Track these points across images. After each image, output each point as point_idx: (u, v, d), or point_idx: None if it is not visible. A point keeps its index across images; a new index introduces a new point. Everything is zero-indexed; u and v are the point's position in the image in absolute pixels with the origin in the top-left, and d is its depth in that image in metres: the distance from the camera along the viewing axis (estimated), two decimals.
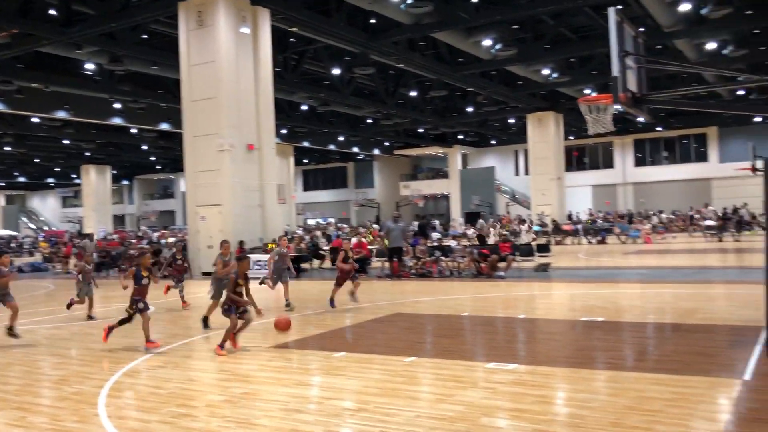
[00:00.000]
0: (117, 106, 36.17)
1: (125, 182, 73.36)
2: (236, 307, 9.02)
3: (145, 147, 50.93)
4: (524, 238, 26.03)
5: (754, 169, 21.32)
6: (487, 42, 27.69)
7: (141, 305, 9.42)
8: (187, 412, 6.22)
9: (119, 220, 69.02)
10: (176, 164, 56.97)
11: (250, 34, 22.30)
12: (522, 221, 34.94)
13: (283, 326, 9.51)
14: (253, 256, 21.52)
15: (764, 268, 7.65)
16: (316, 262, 24.46)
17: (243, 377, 7.57)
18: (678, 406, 5.80)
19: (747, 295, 12.56)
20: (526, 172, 51.92)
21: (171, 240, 32.96)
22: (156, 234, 40.19)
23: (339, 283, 12.95)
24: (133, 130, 43.97)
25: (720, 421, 5.40)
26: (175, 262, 15.07)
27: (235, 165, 21.77)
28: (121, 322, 9.55)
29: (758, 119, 44.98)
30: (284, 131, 46.86)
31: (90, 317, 12.82)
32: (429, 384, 6.98)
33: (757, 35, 29.83)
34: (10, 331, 10.24)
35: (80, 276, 13.08)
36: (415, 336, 9.84)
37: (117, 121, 37.89)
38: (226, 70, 21.54)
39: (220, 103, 21.56)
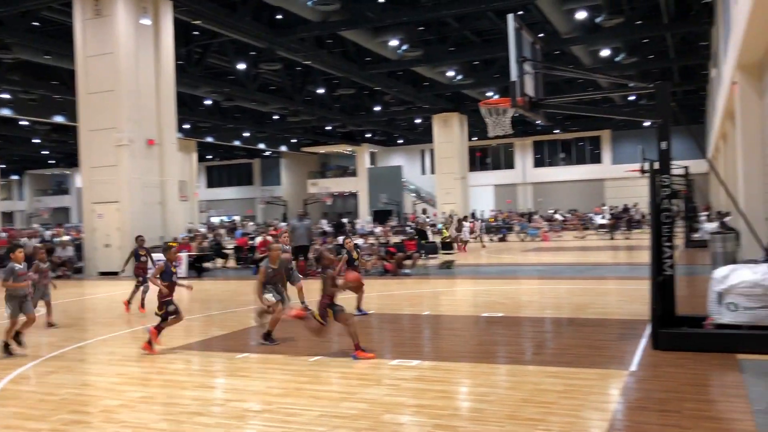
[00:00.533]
0: (5, 96, 34.05)
1: (14, 177, 69.21)
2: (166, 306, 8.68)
3: (37, 140, 48.26)
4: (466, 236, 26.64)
5: (642, 171, 22.59)
6: (393, 42, 27.99)
7: (171, 308, 8.80)
8: (80, 419, 5.96)
9: (7, 217, 65.12)
10: (71, 159, 54.19)
11: (151, 25, 21.58)
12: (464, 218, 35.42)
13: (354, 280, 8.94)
14: (153, 255, 20.88)
15: (650, 265, 8.12)
16: (219, 261, 23.94)
17: (141, 381, 7.33)
18: (571, 397, 6.08)
19: (635, 291, 13.31)
20: (432, 172, 52.85)
21: (65, 238, 31.40)
22: (49, 232, 38.14)
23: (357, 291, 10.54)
24: (24, 123, 41.54)
25: (609, 411, 5.70)
26: (139, 260, 13.37)
27: (134, 160, 21.00)
28: (159, 328, 8.85)
29: (647, 124, 47.58)
30: (187, 126, 45.60)
31: (51, 324, 11.34)
32: (333, 383, 6.99)
33: (646, 44, 31.63)
34: (16, 338, 9.01)
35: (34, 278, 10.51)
36: (320, 335, 9.81)
37: (5, 112, 35.69)
38: (125, 62, 20.75)
39: (119, 96, 20.75)
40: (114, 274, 21.18)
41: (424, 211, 51.45)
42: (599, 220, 38.54)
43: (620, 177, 50.51)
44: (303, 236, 19.23)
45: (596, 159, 56.14)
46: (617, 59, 30.74)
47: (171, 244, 9.85)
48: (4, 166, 59.44)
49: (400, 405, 6.06)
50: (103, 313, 13.39)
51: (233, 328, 10.74)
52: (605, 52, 31.14)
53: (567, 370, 7.06)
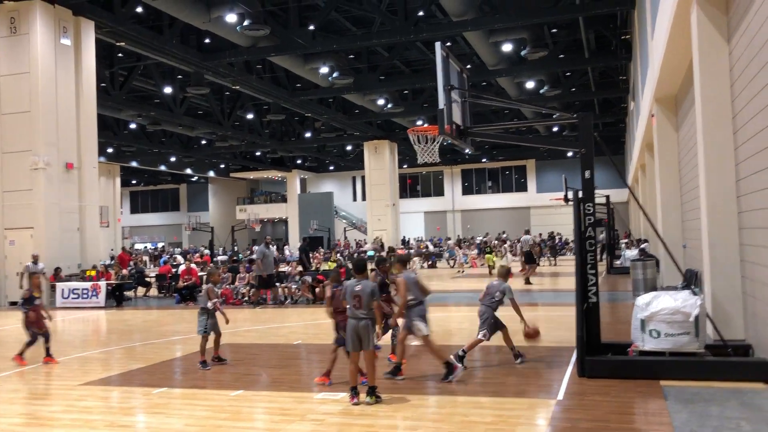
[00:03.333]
0: None
1: None
2: None
3: None
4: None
5: (566, 199, 23.19)
6: (324, 69, 27.97)
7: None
8: None
9: None
10: None
11: (71, 45, 20.82)
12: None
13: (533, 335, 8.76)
14: (69, 284, 19.94)
15: (576, 291, 8.20)
16: (141, 290, 23.06)
17: (46, 421, 6.82)
18: (498, 429, 5.99)
19: (561, 317, 13.49)
20: (363, 198, 52.93)
21: None
22: None
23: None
24: None
25: None
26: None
27: (50, 185, 20.06)
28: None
29: (570, 154, 49.21)
30: (110, 150, 44.18)
31: None
32: (255, 419, 6.68)
33: (569, 77, 32.76)
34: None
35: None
36: (244, 368, 9.46)
37: None
38: (43, 83, 19.90)
39: (35, 118, 19.85)
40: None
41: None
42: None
43: (545, 205, 51.89)
44: (272, 264, 18.55)
45: (522, 187, 57.58)
46: (541, 91, 31.67)
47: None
48: None
49: None
50: (12, 346, 12.55)
51: (153, 360, 10.23)
52: (530, 84, 32.07)
53: (495, 400, 6.99)
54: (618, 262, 26.69)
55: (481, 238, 45.72)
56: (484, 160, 56.97)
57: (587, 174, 8.20)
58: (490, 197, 58.27)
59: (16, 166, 20.08)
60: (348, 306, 6.98)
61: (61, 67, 20.49)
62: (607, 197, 26.71)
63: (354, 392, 6.96)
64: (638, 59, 21.43)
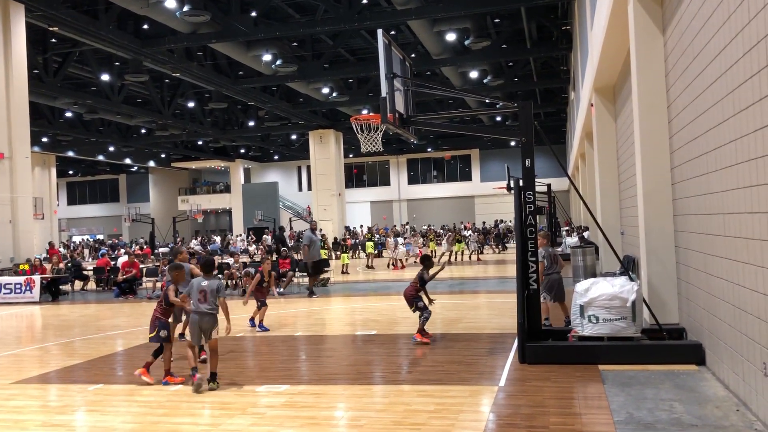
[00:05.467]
0: None
1: None
2: None
3: None
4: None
5: (508, 188, 23.52)
6: (267, 57, 27.55)
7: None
8: None
9: None
10: None
11: None
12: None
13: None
14: (1, 279, 19.19)
15: (516, 279, 8.30)
16: (78, 284, 22.38)
17: None
18: (441, 417, 6.00)
19: (504, 305, 13.68)
20: (309, 188, 52.58)
21: None
22: None
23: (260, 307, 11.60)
24: None
25: (479, 430, 5.66)
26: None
27: None
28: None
29: (513, 143, 49.94)
30: (45, 139, 42.66)
31: None
32: (193, 414, 6.52)
33: (511, 67, 33.14)
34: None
35: None
36: (183, 362, 9.25)
37: None
38: None
39: None
40: None
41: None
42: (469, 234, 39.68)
43: (489, 194, 52.60)
44: (319, 250, 17.75)
45: (466, 176, 58.17)
46: (485, 81, 31.96)
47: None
48: None
49: None
50: None
51: (90, 356, 9.91)
52: (474, 74, 32.32)
53: (438, 388, 7.01)
54: (559, 249, 27.23)
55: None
56: (429, 149, 57.29)
57: (527, 163, 8.29)
58: (435, 186, 58.69)
59: None
60: (192, 301, 7.42)
61: None
62: (549, 185, 27.21)
63: (195, 371, 7.41)
64: (578, 50, 21.82)
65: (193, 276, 8.82)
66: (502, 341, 9.51)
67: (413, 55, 27.60)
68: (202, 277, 7.56)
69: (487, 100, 30.27)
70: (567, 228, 34.87)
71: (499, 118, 43.94)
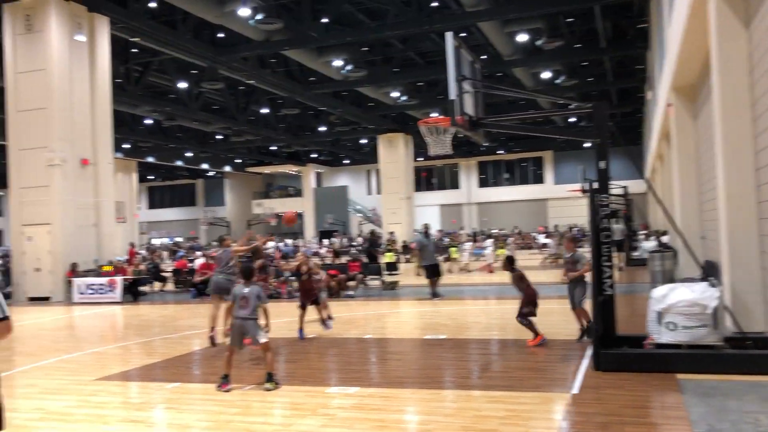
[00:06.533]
0: None
1: None
2: None
3: None
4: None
5: (583, 191, 22.97)
6: (337, 62, 27.91)
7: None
8: None
9: None
10: (3, 180, 52.16)
11: (86, 41, 20.92)
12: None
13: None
14: (86, 279, 20.09)
15: (592, 284, 8.08)
16: (157, 285, 23.19)
17: (60, 416, 6.83)
18: (512, 423, 5.90)
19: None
20: (378, 192, 52.84)
21: None
22: None
23: (303, 306, 11.22)
24: None
25: None
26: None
27: (66, 181, 20.21)
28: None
29: (587, 144, 48.79)
30: (127, 146, 44.47)
31: None
32: (266, 414, 6.64)
33: (585, 67, 32.42)
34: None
35: None
36: (256, 362, 9.44)
37: None
38: (58, 79, 20.03)
39: (51, 115, 20.00)
40: (44, 299, 20.28)
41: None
42: (543, 239, 39.02)
43: (562, 197, 51.53)
44: (432, 254, 17.10)
45: (539, 179, 57.17)
46: (557, 81, 31.37)
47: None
48: None
49: None
50: (29, 341, 12.67)
51: (168, 355, 10.25)
52: (546, 75, 31.77)
53: (509, 395, 6.89)
54: (636, 253, 26.40)
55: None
56: (500, 151, 56.61)
57: (602, 164, 8.06)
58: (506, 189, 57.89)
59: (32, 163, 20.25)
60: (235, 307, 7.66)
61: (76, 63, 20.60)
62: (625, 188, 26.40)
63: (225, 379, 7.55)
64: (655, 48, 21.13)
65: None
66: (574, 348, 9.29)
67: (484, 57, 27.37)
68: (243, 284, 7.76)
69: (560, 101, 29.66)
70: (644, 232, 33.78)
71: (572, 119, 43.04)
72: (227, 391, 7.43)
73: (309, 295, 11.22)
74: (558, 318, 13.10)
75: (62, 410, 7.06)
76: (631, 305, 13.74)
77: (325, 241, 46.35)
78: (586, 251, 9.57)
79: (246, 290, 7.63)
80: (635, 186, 28.89)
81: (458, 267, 26.90)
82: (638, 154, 47.53)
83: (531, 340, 9.61)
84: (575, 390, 6.96)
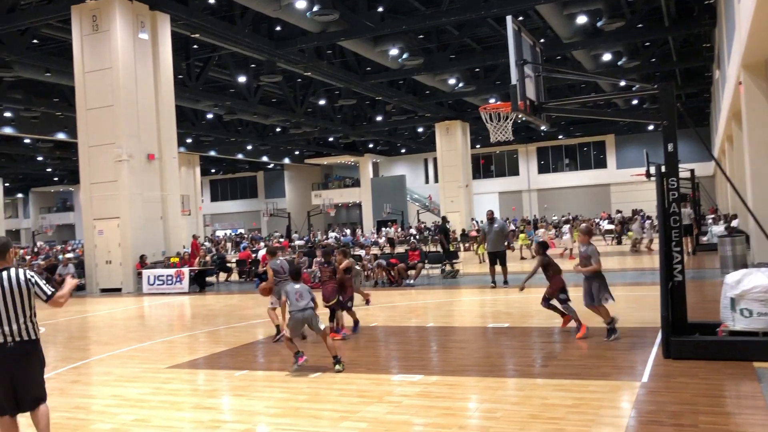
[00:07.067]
0: (8, 114, 34.12)
1: (20, 195, 69.33)
2: None
3: (40, 158, 48.33)
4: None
5: (648, 175, 22.37)
6: (393, 51, 27.86)
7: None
8: None
9: (14, 235, 65.13)
10: (75, 176, 54.26)
11: (149, 39, 21.50)
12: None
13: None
14: (154, 271, 20.72)
15: (660, 271, 7.87)
16: (222, 275, 23.76)
17: (135, 402, 7.09)
18: (580, 412, 5.82)
19: (643, 297, 13.04)
20: (436, 180, 52.64)
21: (69, 255, 31.29)
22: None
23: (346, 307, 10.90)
24: (27, 140, 41.58)
25: (621, 426, 5.43)
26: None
27: (134, 176, 20.86)
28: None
29: (651, 127, 47.40)
30: (189, 140, 45.57)
31: None
32: (332, 401, 6.74)
33: (648, 47, 31.42)
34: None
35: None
36: (322, 350, 9.56)
37: (8, 130, 35.72)
38: (124, 77, 20.65)
39: (118, 112, 20.64)
40: (116, 290, 21.03)
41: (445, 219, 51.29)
42: (606, 225, 38.20)
43: (626, 181, 50.25)
44: (496, 240, 16.22)
45: (601, 164, 55.86)
46: (619, 63, 30.52)
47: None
48: (8, 184, 59.52)
49: (402, 423, 5.81)
50: (103, 331, 13.18)
51: (235, 344, 10.50)
52: (607, 56, 30.96)
53: (576, 383, 6.79)
54: (704, 238, 25.58)
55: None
56: (560, 137, 55.55)
57: (670, 147, 7.81)
58: (567, 175, 56.78)
59: (101, 159, 20.98)
60: (291, 303, 8.00)
61: (140, 61, 21.19)
62: (692, 171, 25.58)
63: (299, 354, 8.00)
64: (723, 24, 20.30)
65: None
66: (642, 335, 9.07)
67: (542, 41, 26.85)
68: (292, 283, 8.18)
69: (622, 83, 28.87)
70: (713, 216, 32.67)
71: (635, 102, 41.86)
72: (305, 361, 7.94)
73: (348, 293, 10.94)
74: (624, 305, 12.82)
75: (138, 397, 7.33)
76: (701, 291, 13.34)
77: (386, 231, 46.56)
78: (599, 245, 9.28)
79: (297, 286, 8.11)
80: (702, 169, 27.95)
81: (531, 253, 26.61)
82: (705, 135, 45.93)
83: (562, 324, 9.95)
84: (645, 378, 6.80)
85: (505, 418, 5.76)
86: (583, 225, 10.54)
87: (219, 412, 6.66)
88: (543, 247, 10.22)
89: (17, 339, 4.87)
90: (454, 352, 9.07)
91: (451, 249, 23.72)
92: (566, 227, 28.47)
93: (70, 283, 5.29)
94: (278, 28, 25.91)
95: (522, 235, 28.43)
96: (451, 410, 6.15)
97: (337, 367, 7.85)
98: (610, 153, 55.30)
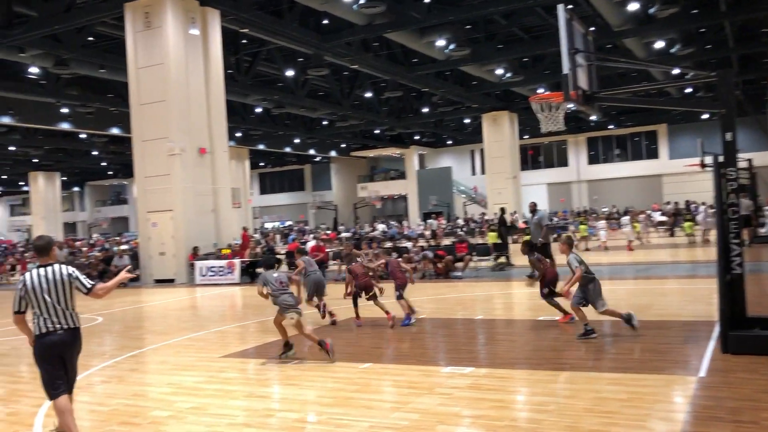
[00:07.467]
0: (64, 110, 35.15)
1: (76, 189, 71.50)
2: None
3: (95, 152, 49.69)
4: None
5: (703, 165, 21.77)
6: (440, 42, 27.70)
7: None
8: (129, 431, 5.92)
9: (70, 227, 67.22)
10: (128, 170, 55.41)
11: (199, 35, 21.85)
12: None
13: None
14: (206, 262, 21.14)
15: (717, 263, 7.68)
16: None
17: (191, 390, 7.27)
18: (634, 406, 5.73)
19: (698, 291, 12.73)
20: (483, 172, 52.20)
21: (123, 247, 32.14)
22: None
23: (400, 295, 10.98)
24: (83, 136, 42.81)
25: (677, 421, 5.34)
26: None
27: (186, 169, 21.29)
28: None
29: (705, 116, 46.07)
30: (239, 134, 46.20)
31: None
32: (384, 391, 6.79)
33: (702, 34, 30.51)
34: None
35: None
36: (371, 341, 9.65)
37: (65, 126, 36.81)
38: (176, 73, 21.05)
39: (170, 107, 21.07)
40: (169, 281, 21.53)
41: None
42: (658, 216, 37.35)
43: (679, 172, 48.99)
44: (535, 232, 15.87)
45: (653, 154, 54.53)
46: (672, 51, 29.71)
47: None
48: (66, 178, 61.39)
49: (453, 415, 5.82)
50: (158, 321, 13.53)
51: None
52: (660, 44, 30.15)
53: (629, 377, 6.69)
54: (763, 230, 24.78)
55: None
56: (611, 126, 54.41)
57: (728, 136, 7.59)
58: (618, 166, 55.58)
59: (154, 153, 21.46)
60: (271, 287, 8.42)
61: (191, 56, 21.56)
62: (749, 161, 24.79)
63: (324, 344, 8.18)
64: None
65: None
66: (697, 329, 8.87)
67: (592, 29, 26.30)
68: (272, 272, 8.60)
69: (676, 71, 28.08)
70: None
71: (689, 90, 40.70)
72: (328, 345, 8.14)
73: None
74: (677, 298, 12.56)
75: (193, 385, 7.51)
76: (760, 285, 12.96)
77: (429, 222, 46.45)
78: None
79: (276, 275, 8.57)
80: (760, 158, 27.02)
81: (584, 246, 26.30)
82: (763, 123, 44.43)
83: (560, 318, 9.99)
84: (702, 373, 6.66)
85: (557, 412, 5.71)
86: (564, 235, 10.63)
87: (272, 401, 6.79)
88: (529, 246, 10.87)
89: (64, 327, 5.31)
90: (504, 345, 9.03)
91: (499, 241, 23.50)
92: (625, 218, 28.04)
93: (119, 277, 5.67)
94: (325, 22, 26.02)
95: (582, 227, 28.11)
96: (502, 403, 6.13)
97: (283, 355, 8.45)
98: (663, 143, 53.93)
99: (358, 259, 13.53)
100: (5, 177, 61.04)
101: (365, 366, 7.83)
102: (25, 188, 59.61)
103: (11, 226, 70.83)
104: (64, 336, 5.30)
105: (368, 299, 10.59)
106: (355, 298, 10.80)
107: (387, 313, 10.41)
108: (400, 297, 10.82)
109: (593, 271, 9.02)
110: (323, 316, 11.27)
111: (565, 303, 9.69)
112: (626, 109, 47.56)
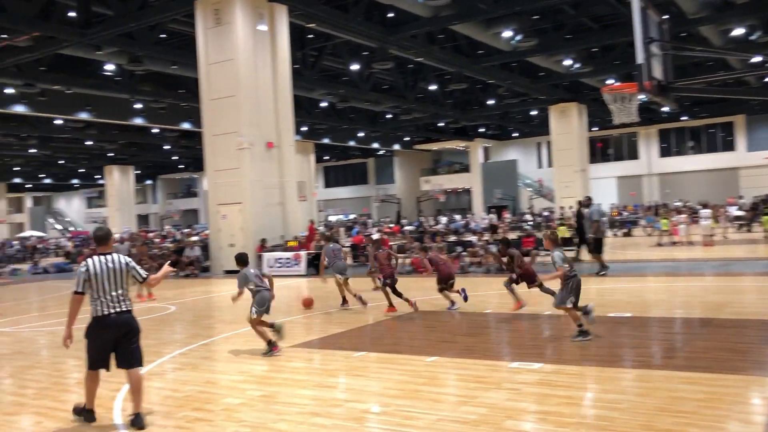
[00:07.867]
0: (138, 106, 36.38)
1: (149, 182, 73.99)
2: None
3: (167, 147, 51.26)
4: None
5: None
6: (507, 33, 27.34)
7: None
8: (202, 417, 6.11)
9: (143, 219, 69.62)
10: (198, 163, 57.02)
11: (267, 31, 22.22)
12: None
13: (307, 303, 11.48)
14: (274, 254, 21.53)
15: None
16: None
17: (261, 379, 7.44)
18: (712, 407, 5.55)
19: None
20: (549, 165, 51.27)
21: (194, 239, 33.08)
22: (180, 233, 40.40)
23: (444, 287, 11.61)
24: (155, 130, 44.24)
25: (757, 423, 5.14)
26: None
27: (254, 163, 21.72)
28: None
29: None
30: (304, 128, 46.79)
31: None
32: (451, 385, 6.78)
33: None
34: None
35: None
36: (437, 334, 9.63)
37: (138, 121, 38.13)
38: (245, 68, 21.48)
39: (239, 102, 21.52)
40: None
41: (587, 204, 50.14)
42: (735, 211, 35.87)
43: (757, 165, 46.96)
44: (585, 226, 16.04)
45: (729, 146, 52.34)
46: (752, 38, 28.43)
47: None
48: (139, 171, 63.61)
49: (522, 411, 5.77)
50: (228, 310, 13.86)
51: (351, 325, 10.76)
52: (738, 31, 28.89)
53: (705, 376, 6.47)
54: None
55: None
56: (684, 117, 52.52)
57: None
58: (691, 158, 53.59)
59: (224, 147, 21.97)
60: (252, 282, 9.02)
61: (260, 52, 21.96)
62: None
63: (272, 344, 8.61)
64: None
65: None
66: None
67: (665, 17, 25.43)
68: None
69: (756, 58, 26.82)
70: None
71: None
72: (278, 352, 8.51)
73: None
74: (755, 296, 12.08)
75: (263, 374, 7.68)
76: None
77: (492, 216, 45.98)
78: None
79: (253, 270, 9.39)
80: None
81: (656, 241, 25.64)
82: None
83: (513, 306, 10.63)
84: None
85: (630, 410, 5.58)
86: (548, 231, 10.40)
87: (339, 391, 6.87)
88: (506, 243, 11.48)
89: (119, 309, 5.87)
90: (575, 341, 8.86)
91: (567, 235, 23.05)
92: (705, 212, 27.04)
93: (164, 270, 6.44)
94: (390, 15, 26.03)
95: (664, 221, 27.29)
96: (572, 399, 6.03)
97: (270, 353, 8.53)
98: (740, 134, 51.71)
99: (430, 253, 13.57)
100: (83, 170, 63.78)
101: (432, 359, 7.83)
102: (101, 181, 62.09)
103: (88, 217, 73.85)
104: (118, 319, 5.81)
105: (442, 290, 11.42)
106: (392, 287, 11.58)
107: (408, 300, 11.38)
108: (442, 290, 11.55)
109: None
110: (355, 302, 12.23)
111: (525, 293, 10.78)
112: (701, 99, 45.81)
